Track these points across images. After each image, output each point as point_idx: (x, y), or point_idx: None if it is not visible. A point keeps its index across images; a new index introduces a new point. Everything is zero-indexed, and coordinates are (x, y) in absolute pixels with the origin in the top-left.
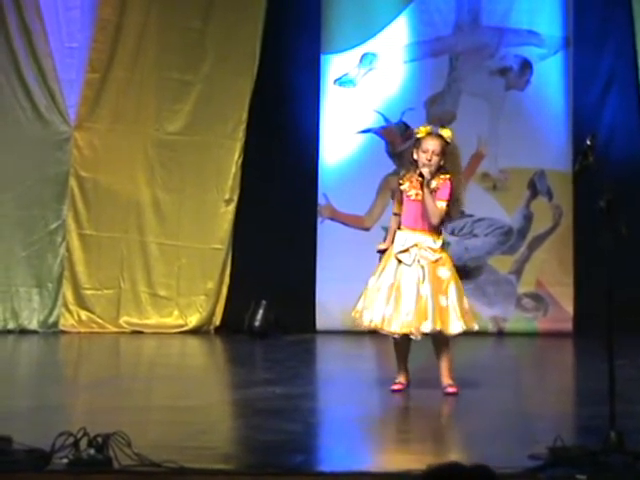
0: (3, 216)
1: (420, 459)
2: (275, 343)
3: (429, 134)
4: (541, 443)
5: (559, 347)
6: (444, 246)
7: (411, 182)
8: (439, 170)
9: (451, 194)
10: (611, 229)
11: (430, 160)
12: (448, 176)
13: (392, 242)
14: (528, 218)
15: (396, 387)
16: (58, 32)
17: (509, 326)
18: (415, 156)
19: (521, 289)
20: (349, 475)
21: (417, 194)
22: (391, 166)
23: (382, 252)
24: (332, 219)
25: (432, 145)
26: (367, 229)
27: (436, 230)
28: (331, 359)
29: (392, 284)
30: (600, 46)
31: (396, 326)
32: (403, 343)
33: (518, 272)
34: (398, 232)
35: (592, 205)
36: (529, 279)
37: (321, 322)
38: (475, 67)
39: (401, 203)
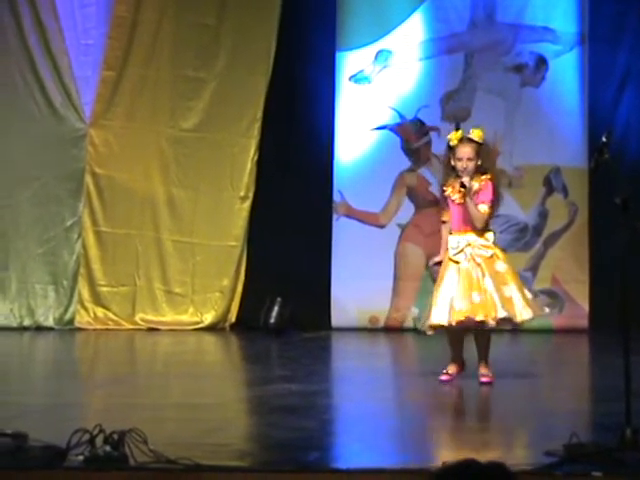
0: (19, 213)
1: (436, 456)
2: (290, 340)
3: (461, 141)
4: (557, 440)
5: (574, 344)
6: (495, 240)
7: (453, 187)
8: (478, 170)
9: (493, 195)
10: (627, 226)
11: (466, 168)
12: (488, 176)
13: (445, 251)
14: (543, 215)
15: (444, 378)
16: (73, 29)
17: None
18: (452, 162)
19: (537, 286)
20: (364, 472)
21: (460, 198)
22: (406, 163)
23: (438, 264)
24: (347, 216)
25: (465, 153)
26: (382, 226)
27: (483, 228)
28: (346, 356)
29: (450, 285)
30: (615, 42)
31: (463, 314)
32: (457, 334)
33: (534, 269)
34: (450, 237)
35: (608, 202)
36: (545, 276)
37: (336, 319)
38: (490, 64)
39: (447, 210)
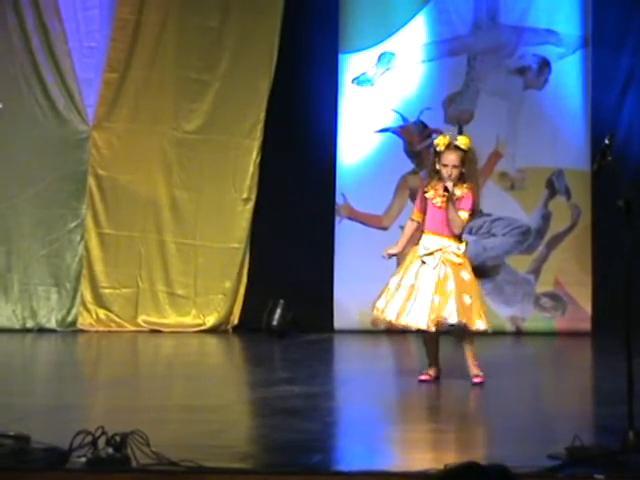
0: (22, 215)
1: (438, 459)
2: (293, 342)
3: (448, 147)
4: (559, 443)
5: (577, 346)
6: (466, 250)
7: (436, 190)
8: (461, 178)
9: (473, 203)
10: (630, 228)
11: (451, 174)
12: (470, 185)
13: (403, 247)
14: (546, 217)
15: (423, 377)
16: (77, 32)
17: (527, 326)
18: (437, 166)
19: (539, 289)
20: (367, 475)
21: (442, 202)
22: (409, 165)
23: (391, 256)
24: (350, 218)
25: (451, 160)
26: (385, 228)
27: (459, 236)
28: (349, 358)
29: (413, 284)
30: (619, 45)
31: (410, 321)
32: (430, 337)
33: (536, 271)
34: (423, 236)
35: (610, 204)
36: (547, 278)
37: (339, 321)
38: (493, 66)
39: (423, 211)
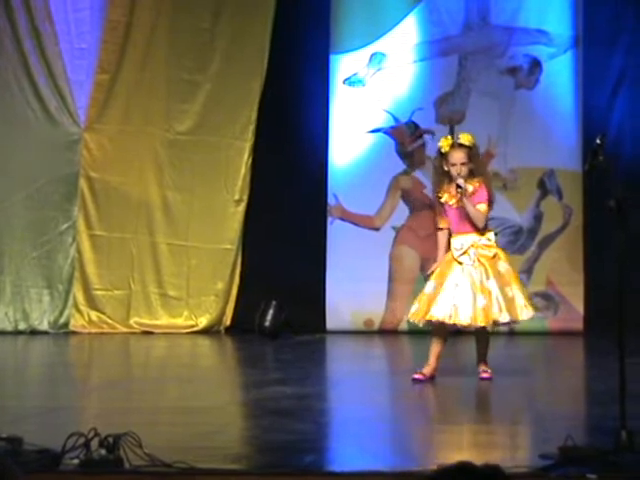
0: (14, 217)
1: (430, 459)
2: (285, 343)
3: (452, 147)
4: (552, 442)
5: (570, 346)
6: (497, 239)
7: (449, 193)
8: (470, 174)
9: (488, 194)
10: (621, 228)
11: (460, 172)
12: (481, 179)
13: (443, 258)
14: (538, 217)
15: (417, 376)
16: (68, 34)
17: (519, 325)
18: (446, 168)
19: (532, 288)
20: (359, 475)
21: (457, 202)
22: (401, 166)
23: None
24: (342, 219)
25: (458, 158)
26: (377, 229)
27: (484, 228)
28: (341, 359)
29: (455, 285)
30: (610, 45)
31: (466, 319)
32: (440, 337)
33: (528, 271)
34: (452, 239)
35: (602, 204)
36: (539, 278)
37: (331, 322)
38: (484, 66)
39: (443, 216)
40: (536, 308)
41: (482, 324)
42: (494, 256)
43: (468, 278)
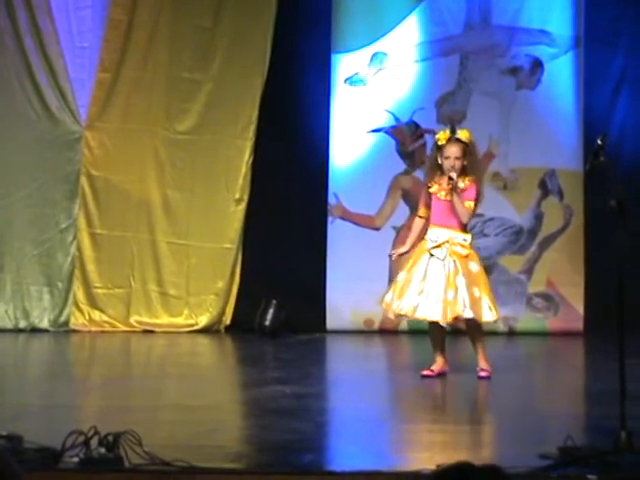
0: (14, 215)
1: (430, 459)
2: (285, 342)
3: (449, 140)
4: (551, 443)
5: (570, 347)
6: (472, 242)
7: (440, 185)
8: (463, 171)
9: (477, 193)
10: (622, 228)
11: (454, 165)
12: (473, 177)
13: (412, 245)
14: (539, 218)
15: (425, 372)
16: (69, 32)
17: (520, 326)
18: (439, 161)
19: (532, 289)
20: (359, 475)
21: (446, 194)
22: (402, 166)
23: (401, 255)
24: (342, 218)
25: (453, 152)
26: (378, 229)
27: (464, 227)
28: (341, 359)
29: (423, 277)
30: (611, 45)
31: (426, 313)
32: (436, 331)
33: (529, 272)
34: (430, 230)
35: (603, 204)
36: (540, 279)
37: (331, 321)
38: (486, 66)
39: (428, 207)
40: (499, 315)
41: (441, 319)
42: (466, 256)
43: (436, 271)
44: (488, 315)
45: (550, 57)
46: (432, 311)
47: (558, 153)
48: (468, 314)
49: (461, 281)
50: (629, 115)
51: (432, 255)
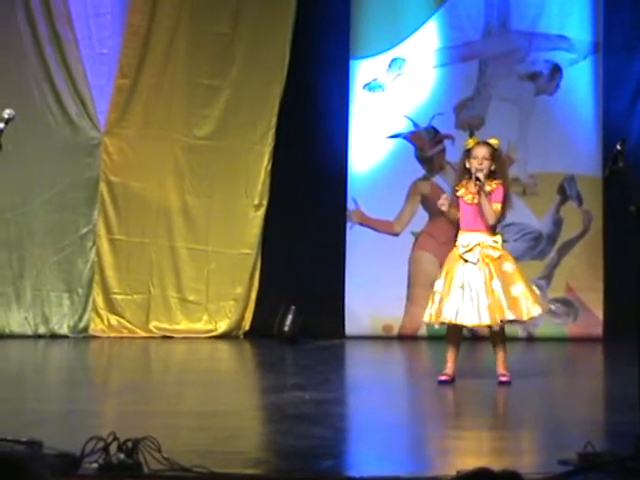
0: (34, 221)
1: (449, 465)
2: (304, 348)
3: (478, 143)
4: (571, 448)
5: (589, 352)
6: (503, 244)
7: (467, 189)
8: (491, 175)
9: (505, 197)
10: None
11: (482, 164)
12: (500, 181)
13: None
14: (558, 223)
15: (443, 378)
16: (88, 38)
17: (539, 331)
18: (467, 165)
19: (551, 294)
20: None
21: (473, 198)
22: (420, 171)
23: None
24: (361, 224)
25: (482, 152)
26: (397, 234)
27: (493, 229)
28: (360, 364)
29: (462, 284)
30: (630, 51)
31: (472, 319)
32: (456, 337)
33: (548, 277)
34: (460, 236)
35: (622, 210)
36: (559, 284)
37: (350, 327)
38: (505, 72)
39: (458, 209)
40: (546, 305)
41: (487, 323)
42: (499, 257)
43: (474, 276)
44: (532, 310)
45: (569, 63)
46: (479, 316)
47: (577, 158)
48: (509, 316)
49: (497, 285)
50: None
51: (466, 261)
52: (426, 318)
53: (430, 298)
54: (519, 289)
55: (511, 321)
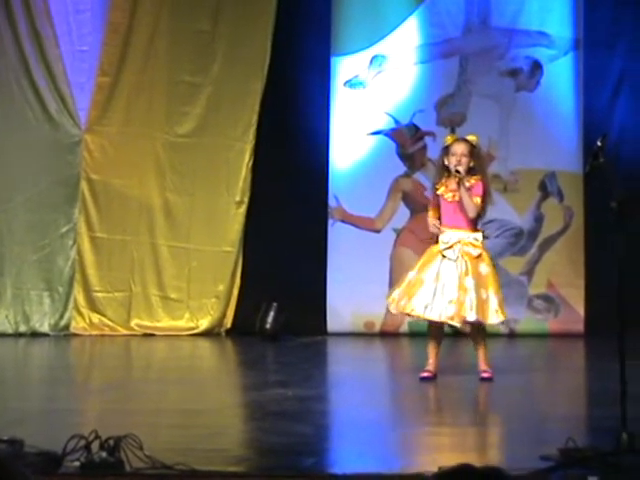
0: (14, 219)
1: (432, 461)
2: (286, 345)
3: (456, 140)
4: (552, 444)
5: (570, 348)
6: (483, 240)
7: (447, 186)
8: (470, 172)
9: (484, 192)
10: (622, 230)
11: (460, 161)
12: (479, 177)
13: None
14: (539, 219)
15: (425, 374)
16: (68, 35)
17: (520, 327)
18: (446, 162)
19: (532, 290)
20: (360, 477)
21: (454, 195)
22: (401, 168)
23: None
24: (343, 221)
25: (460, 148)
26: (378, 231)
27: (474, 226)
28: (342, 361)
29: (436, 278)
30: (610, 47)
31: (437, 314)
32: (438, 332)
33: (529, 273)
34: (440, 233)
35: (603, 206)
36: (540, 280)
37: (332, 324)
38: (485, 68)
39: (438, 208)
40: (505, 316)
41: (450, 316)
42: (478, 256)
43: (449, 273)
44: (494, 318)
45: (549, 59)
46: (444, 312)
47: (558, 155)
48: (472, 317)
49: (470, 283)
50: (628, 116)
51: (444, 257)
52: (389, 300)
53: (400, 283)
54: (488, 293)
55: (471, 322)
